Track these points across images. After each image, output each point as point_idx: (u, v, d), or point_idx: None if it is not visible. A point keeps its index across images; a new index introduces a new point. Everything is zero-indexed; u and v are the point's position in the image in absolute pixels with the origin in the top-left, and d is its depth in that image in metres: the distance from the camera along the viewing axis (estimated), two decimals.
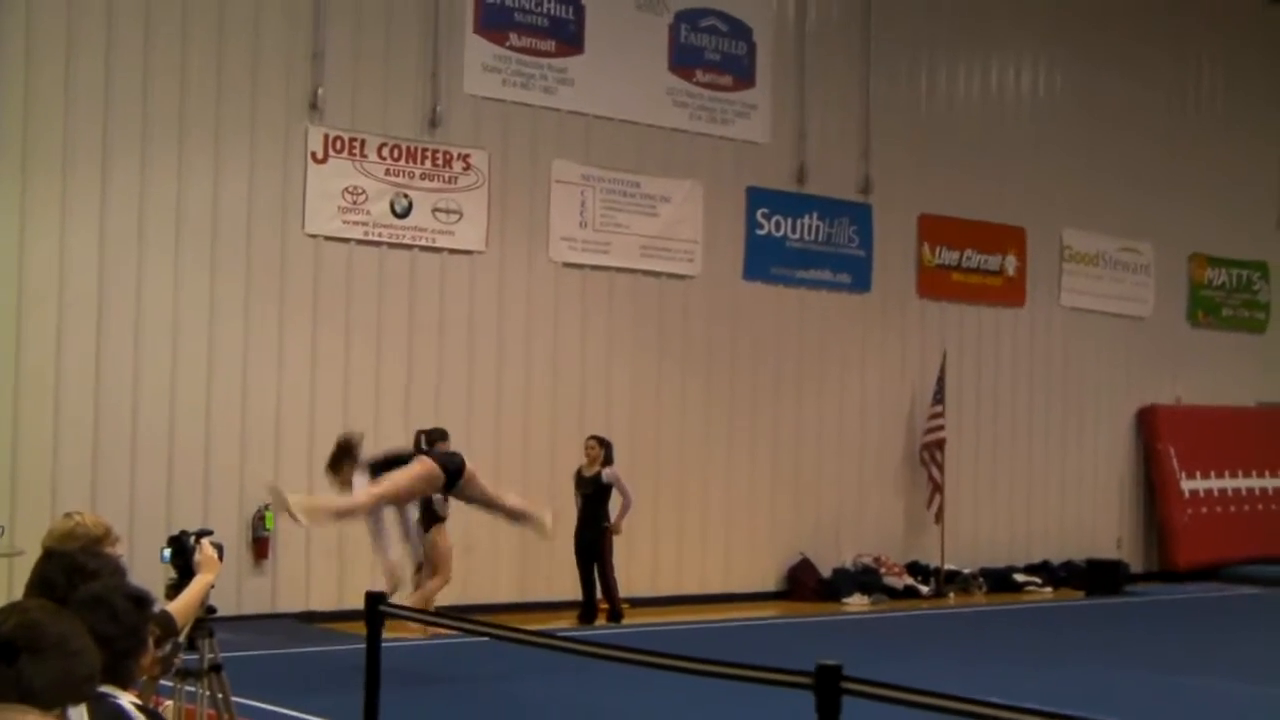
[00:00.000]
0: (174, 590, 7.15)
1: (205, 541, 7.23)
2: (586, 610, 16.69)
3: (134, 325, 15.31)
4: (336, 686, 11.28)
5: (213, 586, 7.00)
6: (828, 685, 5.40)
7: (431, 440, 14.91)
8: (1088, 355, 23.02)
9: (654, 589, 18.27)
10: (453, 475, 13.27)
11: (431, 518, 15.05)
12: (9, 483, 14.61)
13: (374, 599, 7.72)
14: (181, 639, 7.10)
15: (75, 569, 4.94)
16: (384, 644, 8.32)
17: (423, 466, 13.27)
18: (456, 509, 14.87)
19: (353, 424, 16.36)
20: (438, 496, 14.57)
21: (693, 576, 18.86)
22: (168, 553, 7.49)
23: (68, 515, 6.50)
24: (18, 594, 14.69)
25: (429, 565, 15.00)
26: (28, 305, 14.81)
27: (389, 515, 13.48)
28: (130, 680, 4.48)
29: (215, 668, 7.83)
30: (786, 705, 6.02)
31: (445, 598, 15.32)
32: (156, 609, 5.24)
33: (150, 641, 4.73)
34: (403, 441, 16.58)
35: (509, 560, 17.37)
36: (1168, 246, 24.15)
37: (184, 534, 7.49)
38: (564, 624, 15.88)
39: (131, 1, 15.33)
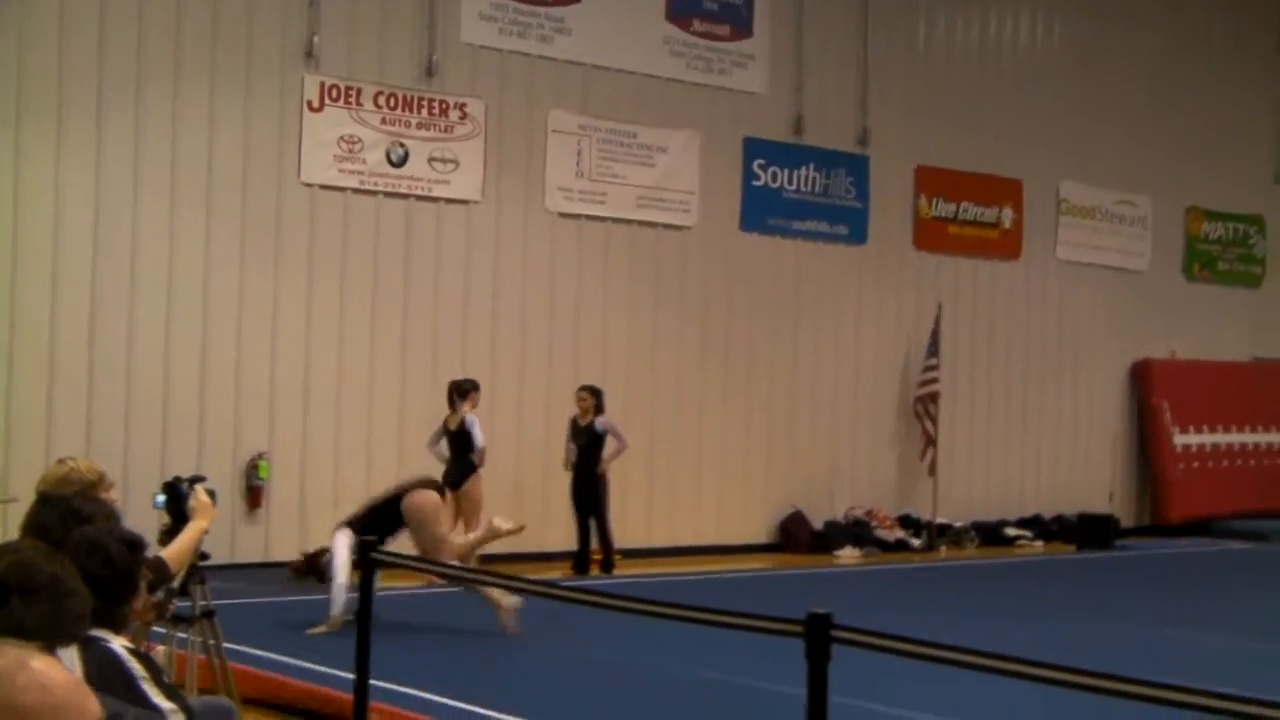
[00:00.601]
0: (167, 536, 7.18)
1: (199, 488, 7.26)
2: (580, 560, 16.77)
3: (129, 274, 15.30)
4: (330, 635, 11.35)
5: (206, 533, 7.03)
6: (817, 634, 5.42)
7: (464, 391, 15.61)
8: (1083, 309, 23.02)
9: (648, 540, 18.32)
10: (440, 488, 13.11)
11: (468, 468, 15.46)
12: (3, 430, 14.64)
13: (366, 546, 7.74)
14: (175, 585, 7.14)
15: (70, 513, 4.97)
16: (380, 593, 8.37)
17: (435, 503, 12.60)
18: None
19: (348, 374, 16.45)
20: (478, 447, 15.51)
21: (686, 528, 18.92)
22: (161, 498, 7.51)
23: (61, 461, 6.53)
24: (12, 539, 14.69)
25: (465, 518, 15.17)
26: (23, 254, 14.79)
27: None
28: (123, 625, 4.52)
29: (208, 614, 7.87)
30: (776, 654, 6.06)
31: None
32: (150, 554, 5.27)
33: (143, 586, 4.77)
34: (397, 395, 16.64)
35: (502, 511, 17.39)
36: (1164, 200, 24.12)
37: (178, 480, 7.52)
38: (557, 574, 15.93)
39: None
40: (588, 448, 16.70)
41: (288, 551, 16.10)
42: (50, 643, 3.52)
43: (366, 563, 7.65)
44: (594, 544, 16.87)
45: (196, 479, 7.49)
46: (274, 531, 16.15)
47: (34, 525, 5.07)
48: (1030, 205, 22.51)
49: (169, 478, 7.76)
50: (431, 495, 12.39)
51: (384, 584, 10.22)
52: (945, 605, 14.57)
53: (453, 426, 15.64)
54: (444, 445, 15.73)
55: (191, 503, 7.10)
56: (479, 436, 15.51)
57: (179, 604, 7.68)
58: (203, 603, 7.79)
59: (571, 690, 10.15)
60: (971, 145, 21.65)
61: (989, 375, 22.03)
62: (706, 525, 19.13)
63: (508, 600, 11.62)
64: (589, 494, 16.71)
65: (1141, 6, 23.63)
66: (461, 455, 15.51)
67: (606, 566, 16.71)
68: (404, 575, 12.02)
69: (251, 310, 15.99)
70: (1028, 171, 22.38)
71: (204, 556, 7.40)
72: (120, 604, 4.42)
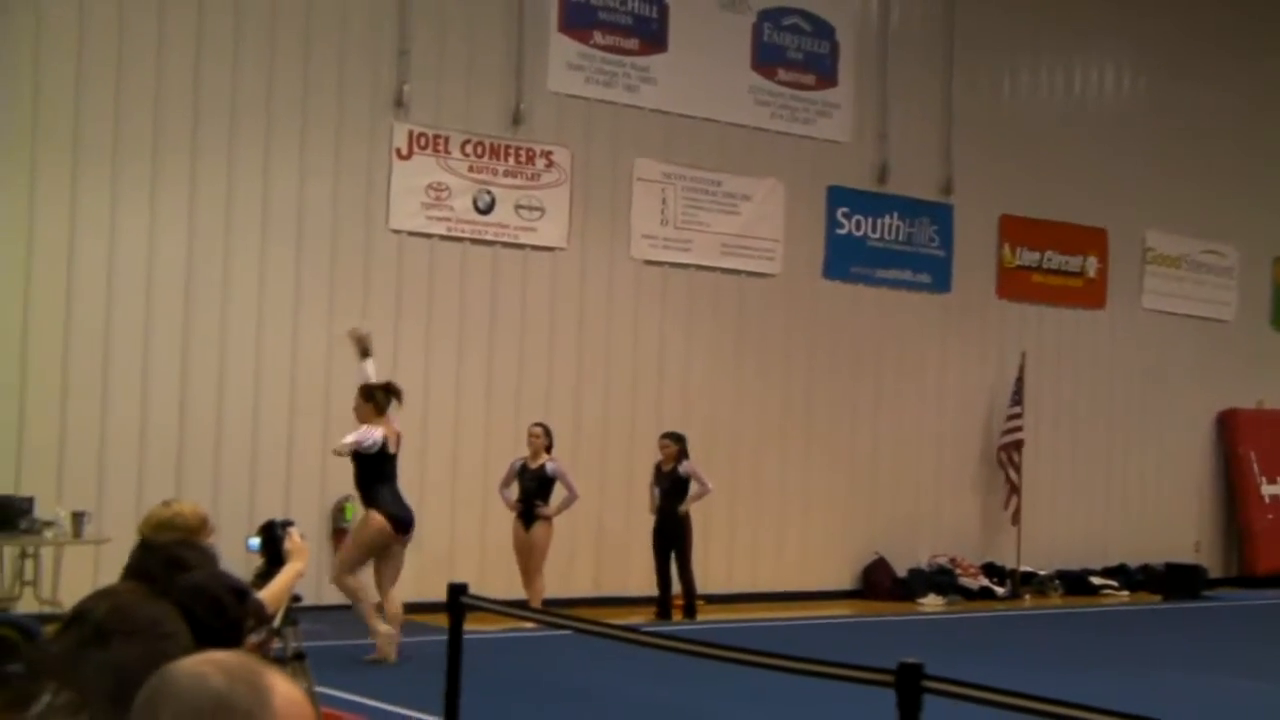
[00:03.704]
0: (261, 579, 7.27)
1: (293, 531, 7.35)
2: (663, 605, 16.76)
3: (220, 319, 15.52)
4: (416, 677, 11.41)
5: (301, 575, 7.12)
6: (909, 684, 5.44)
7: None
8: (1168, 358, 22.84)
9: (730, 586, 18.32)
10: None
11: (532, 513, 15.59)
12: (96, 471, 14.85)
13: (456, 590, 7.82)
14: (276, 625, 7.24)
15: (172, 561, 5.04)
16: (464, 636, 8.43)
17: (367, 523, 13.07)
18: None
19: (433, 419, 16.58)
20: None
21: (768, 574, 18.89)
22: (255, 541, 7.60)
23: (166, 504, 6.60)
24: (103, 580, 14.81)
25: (533, 559, 15.37)
26: (116, 300, 15.04)
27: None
28: None
29: (299, 655, 7.96)
30: (861, 704, 6.07)
31: (518, 589, 15.42)
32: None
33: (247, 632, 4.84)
34: (482, 439, 16.76)
35: (584, 555, 17.50)
36: (1251, 249, 23.93)
37: (272, 523, 7.62)
38: (640, 619, 15.94)
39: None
40: (670, 493, 16.71)
41: (373, 593, 16.23)
42: None
43: (455, 607, 7.72)
44: (676, 588, 16.87)
45: (287, 523, 7.58)
46: (360, 573, 16.21)
47: (136, 570, 5.11)
48: (1115, 254, 22.39)
49: (262, 521, 7.86)
50: (377, 517, 12.75)
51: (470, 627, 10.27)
52: (1032, 655, 14.46)
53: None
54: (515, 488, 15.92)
55: (288, 545, 7.18)
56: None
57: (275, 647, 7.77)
58: (294, 644, 7.88)
59: None
60: (1055, 194, 21.58)
61: (1073, 424, 21.88)
62: (788, 571, 19.09)
63: (384, 628, 11.85)
64: (671, 538, 16.71)
65: (1224, 58, 23.48)
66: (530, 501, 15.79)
67: (689, 611, 16.69)
68: (487, 619, 12.07)
69: (340, 356, 16.13)
70: (1112, 220, 22.27)
71: (297, 599, 7.49)
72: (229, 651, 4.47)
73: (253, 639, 6.04)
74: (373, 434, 12.83)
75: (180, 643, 3.59)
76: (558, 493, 16.01)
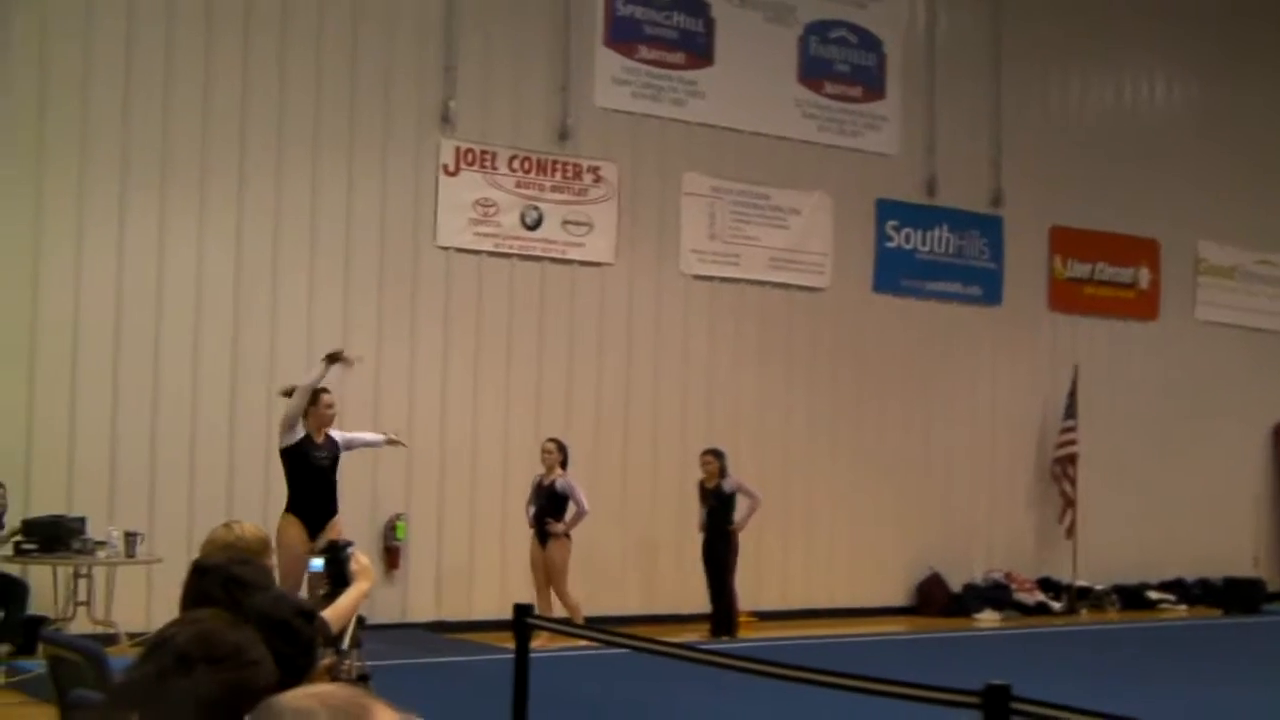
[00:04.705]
0: (326, 600, 7.16)
1: (357, 551, 7.25)
2: (715, 623, 16.53)
3: (269, 337, 15.48)
4: (477, 698, 11.27)
5: (367, 596, 7.02)
6: (996, 705, 5.29)
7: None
8: (1223, 369, 22.58)
9: (783, 603, 18.17)
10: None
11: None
12: (148, 490, 14.80)
13: (522, 610, 7.70)
14: (344, 646, 7.13)
15: (231, 581, 4.92)
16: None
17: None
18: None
19: (483, 434, 16.50)
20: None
21: (821, 590, 18.73)
22: (319, 563, 7.50)
23: (228, 526, 6.50)
24: (156, 600, 14.78)
25: (550, 577, 15.21)
26: (166, 317, 15.00)
27: None
28: None
29: (363, 677, 7.85)
30: None
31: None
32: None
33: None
34: (528, 455, 16.66)
35: (635, 571, 17.39)
36: None
37: (336, 543, 7.52)
38: (694, 636, 15.76)
39: (266, 16, 15.52)
40: (717, 510, 16.48)
41: (425, 612, 16.21)
42: (239, 715, 3.48)
43: (520, 626, 7.61)
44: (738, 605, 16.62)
45: (347, 543, 7.48)
46: (411, 592, 16.19)
47: (197, 595, 4.96)
48: (1167, 265, 22.17)
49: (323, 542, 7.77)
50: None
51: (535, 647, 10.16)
52: (1094, 671, 14.25)
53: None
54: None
55: (353, 566, 7.08)
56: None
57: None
58: (358, 665, 7.77)
59: None
60: (1106, 205, 21.38)
61: (1128, 437, 21.64)
62: (841, 587, 18.93)
63: None
64: (716, 554, 16.45)
65: (1273, 66, 23.24)
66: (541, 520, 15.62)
67: (727, 629, 16.27)
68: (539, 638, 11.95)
69: (389, 372, 16.10)
70: (1164, 231, 22.06)
71: (360, 620, 7.38)
72: (304, 676, 4.37)
73: (324, 662, 5.93)
74: None
75: (264, 670, 3.48)
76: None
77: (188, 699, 3.29)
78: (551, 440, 15.71)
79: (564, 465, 15.58)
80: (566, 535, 15.45)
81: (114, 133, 14.79)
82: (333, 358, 12.71)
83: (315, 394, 12.70)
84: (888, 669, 6.79)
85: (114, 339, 14.77)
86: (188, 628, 3.51)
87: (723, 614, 16.42)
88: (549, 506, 15.48)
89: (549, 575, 15.41)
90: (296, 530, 12.31)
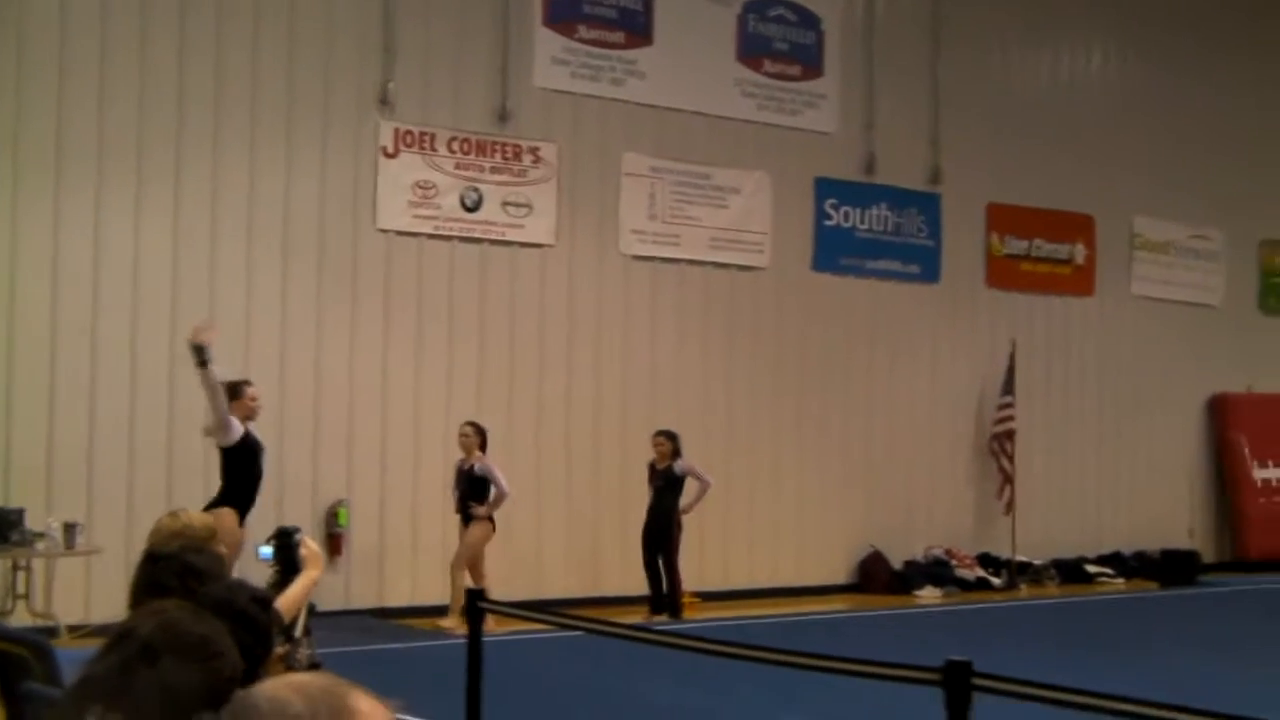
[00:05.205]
0: (276, 588, 7.09)
1: (306, 537, 7.18)
2: (656, 602, 16.51)
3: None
4: (429, 683, 11.18)
5: (316, 582, 6.95)
6: (958, 681, 5.29)
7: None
8: (1158, 344, 22.76)
9: (726, 583, 18.19)
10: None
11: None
12: (86, 481, 14.63)
13: (474, 595, 7.66)
14: (297, 634, 7.07)
15: (185, 570, 4.86)
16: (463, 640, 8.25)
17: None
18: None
19: (424, 418, 16.40)
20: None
21: (763, 569, 18.76)
22: (268, 549, 7.44)
23: (174, 514, 6.40)
24: (96, 591, 14.62)
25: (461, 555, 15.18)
26: (102, 303, 14.82)
27: None
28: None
29: (314, 665, 7.79)
30: (889, 699, 5.92)
31: (515, 592, 15.09)
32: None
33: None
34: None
35: (578, 554, 17.35)
36: (1238, 233, 23.88)
37: (285, 530, 7.45)
38: (636, 618, 15.71)
39: None
40: (664, 490, 16.50)
41: (368, 599, 16.11)
42: (205, 707, 3.42)
43: (473, 611, 7.57)
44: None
45: (293, 529, 7.42)
46: (354, 579, 16.08)
47: (150, 584, 4.86)
48: (1103, 241, 22.31)
49: (273, 529, 7.69)
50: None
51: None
52: (1038, 645, 14.37)
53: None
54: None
55: (303, 552, 7.02)
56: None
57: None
58: (309, 653, 7.72)
59: None
60: (1042, 182, 21.49)
61: (1065, 412, 21.79)
62: (783, 566, 18.97)
63: None
64: (658, 535, 16.46)
65: (1210, 44, 23.40)
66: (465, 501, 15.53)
67: (673, 610, 16.33)
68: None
69: (329, 357, 15.98)
70: (1100, 207, 22.20)
71: (312, 608, 7.33)
72: (261, 666, 4.31)
73: (276, 650, 5.87)
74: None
75: (230, 661, 3.42)
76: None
77: (153, 691, 3.23)
78: (469, 424, 15.59)
79: (483, 448, 15.49)
80: (489, 519, 15.38)
81: (49, 117, 14.58)
82: (198, 350, 11.70)
83: (238, 387, 12.32)
84: (837, 647, 6.79)
85: (49, 325, 14.57)
86: (151, 618, 3.45)
87: (662, 594, 16.45)
88: (470, 490, 15.41)
89: (462, 553, 15.29)
90: (234, 521, 12.09)
